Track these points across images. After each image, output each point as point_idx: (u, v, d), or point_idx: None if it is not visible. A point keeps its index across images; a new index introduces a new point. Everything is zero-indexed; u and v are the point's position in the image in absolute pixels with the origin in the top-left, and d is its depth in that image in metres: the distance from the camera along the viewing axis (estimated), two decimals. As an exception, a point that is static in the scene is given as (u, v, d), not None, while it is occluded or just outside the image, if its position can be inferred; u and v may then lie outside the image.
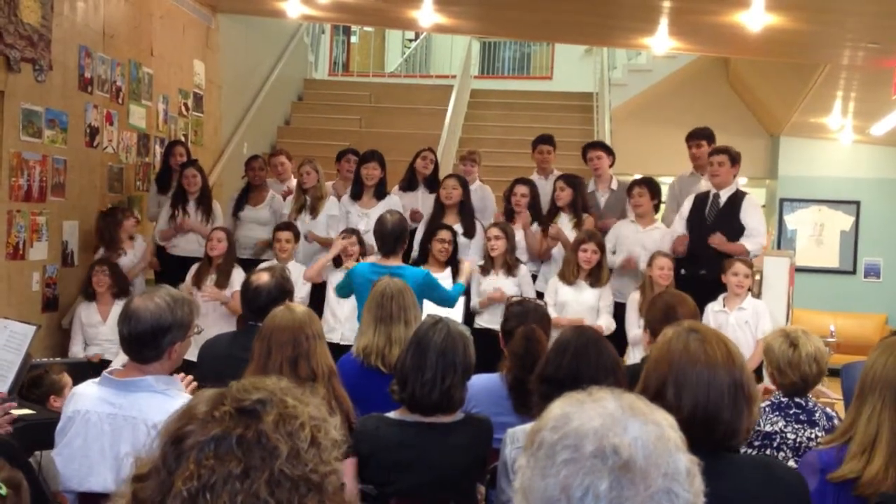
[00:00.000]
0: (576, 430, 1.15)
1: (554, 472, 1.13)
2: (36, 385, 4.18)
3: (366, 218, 6.66)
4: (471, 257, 6.37)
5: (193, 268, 6.35)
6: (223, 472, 1.20)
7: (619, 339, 5.69)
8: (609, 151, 7.15)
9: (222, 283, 6.19)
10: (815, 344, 3.57)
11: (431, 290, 4.93)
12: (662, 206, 7.30)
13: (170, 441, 1.26)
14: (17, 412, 3.32)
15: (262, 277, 4.04)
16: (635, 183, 6.63)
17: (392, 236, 5.05)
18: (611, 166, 7.12)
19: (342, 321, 5.99)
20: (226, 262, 6.26)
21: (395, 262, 5.04)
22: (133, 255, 6.67)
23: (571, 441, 1.14)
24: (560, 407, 1.21)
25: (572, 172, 7.07)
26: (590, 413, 1.17)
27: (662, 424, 1.18)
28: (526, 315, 3.99)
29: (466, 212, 6.64)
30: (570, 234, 6.40)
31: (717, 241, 6.12)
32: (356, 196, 6.94)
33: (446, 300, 5.04)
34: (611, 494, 1.09)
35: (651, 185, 6.57)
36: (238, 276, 6.19)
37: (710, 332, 2.11)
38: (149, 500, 1.27)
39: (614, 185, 7.07)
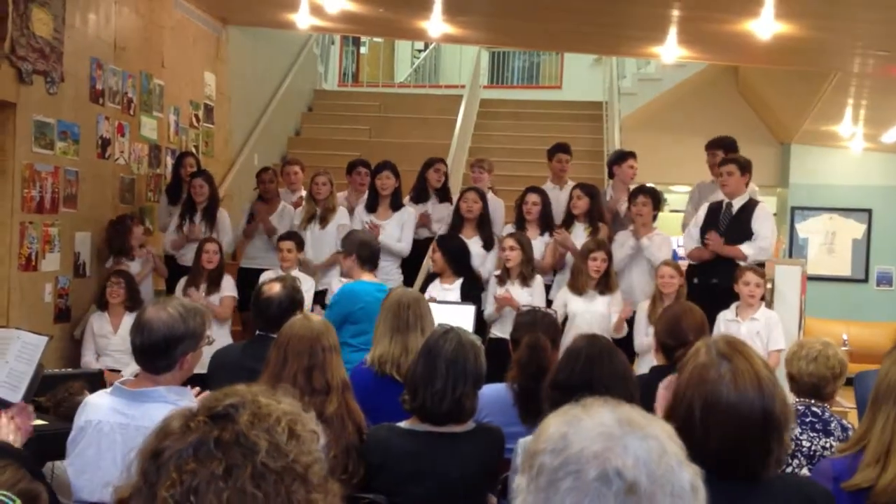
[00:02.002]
0: (577, 455, 1.13)
1: (558, 501, 1.12)
2: (61, 404, 4.17)
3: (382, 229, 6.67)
4: (486, 267, 6.46)
5: (183, 279, 6.46)
6: (205, 473, 1.20)
7: (628, 347, 5.67)
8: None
9: (213, 291, 6.39)
10: (828, 351, 3.62)
11: None
12: (681, 214, 7.22)
13: (147, 458, 1.26)
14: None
15: (274, 288, 4.05)
16: (639, 191, 6.60)
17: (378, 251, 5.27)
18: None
19: None
20: (216, 272, 6.42)
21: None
22: (139, 263, 6.73)
23: (573, 467, 1.13)
24: (556, 426, 1.19)
25: (585, 181, 7.06)
26: (588, 433, 1.15)
27: (661, 437, 1.16)
28: (534, 324, 3.99)
29: (485, 224, 6.65)
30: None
31: (713, 239, 6.08)
32: (371, 208, 6.93)
33: None
34: None
35: (654, 194, 6.56)
36: (227, 283, 6.47)
37: (740, 361, 1.97)
38: None
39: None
